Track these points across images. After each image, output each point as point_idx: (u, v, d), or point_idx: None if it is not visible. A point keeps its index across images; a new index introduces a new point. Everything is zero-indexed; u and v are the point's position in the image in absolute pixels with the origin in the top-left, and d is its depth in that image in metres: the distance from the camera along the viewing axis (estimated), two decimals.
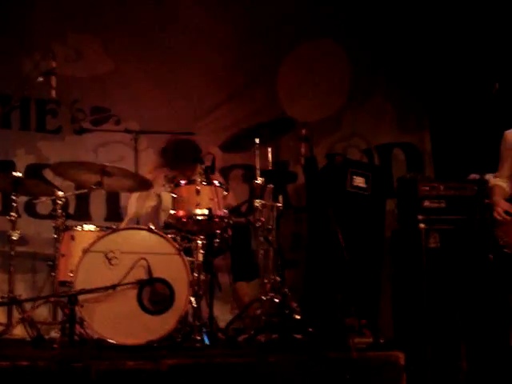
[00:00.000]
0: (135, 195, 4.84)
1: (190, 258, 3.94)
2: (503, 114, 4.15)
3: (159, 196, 4.80)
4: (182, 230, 4.04)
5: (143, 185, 4.35)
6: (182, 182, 4.08)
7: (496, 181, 4.09)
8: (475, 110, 4.21)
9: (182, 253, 3.79)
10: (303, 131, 4.27)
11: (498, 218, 3.94)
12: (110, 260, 3.69)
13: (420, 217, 4.53)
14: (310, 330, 3.96)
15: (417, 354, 4.23)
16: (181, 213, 3.95)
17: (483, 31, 5.52)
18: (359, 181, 5.11)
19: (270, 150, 4.45)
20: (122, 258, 3.69)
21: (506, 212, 3.96)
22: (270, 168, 4.45)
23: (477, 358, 4.15)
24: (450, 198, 4.58)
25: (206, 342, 3.72)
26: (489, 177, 4.08)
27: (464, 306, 4.24)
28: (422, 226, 4.50)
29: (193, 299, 3.82)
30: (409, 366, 3.47)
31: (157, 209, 4.91)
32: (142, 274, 3.68)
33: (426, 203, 4.58)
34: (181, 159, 4.82)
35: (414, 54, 6.00)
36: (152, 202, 4.86)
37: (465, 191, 4.57)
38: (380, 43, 6.02)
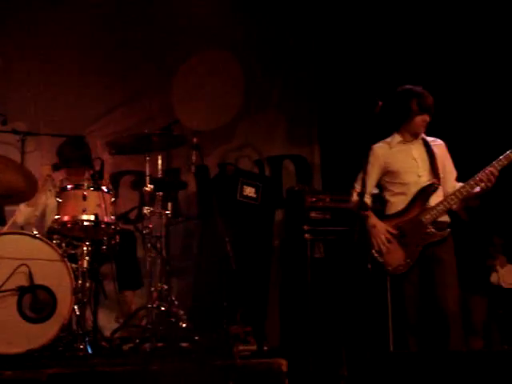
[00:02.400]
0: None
1: (75, 265, 3.86)
2: (385, 130, 4.36)
3: (45, 204, 4.69)
4: (67, 236, 3.95)
5: (30, 182, 3.95)
6: (69, 186, 3.99)
7: (364, 198, 4.01)
8: (361, 126, 4.38)
9: (65, 259, 3.71)
10: (194, 139, 4.29)
11: (379, 241, 3.98)
12: None
13: (306, 227, 4.67)
14: (197, 338, 3.98)
15: (300, 361, 4.34)
16: (66, 218, 3.87)
17: (371, 51, 5.78)
18: (249, 190, 5.19)
19: (161, 157, 4.45)
20: (1, 263, 3.57)
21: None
22: (160, 175, 4.45)
23: (357, 364, 4.29)
24: (334, 209, 4.75)
25: (89, 350, 3.65)
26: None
27: (345, 313, 4.39)
28: (307, 236, 4.64)
29: (76, 307, 3.75)
30: (292, 373, 3.54)
31: (43, 215, 4.77)
32: (22, 281, 3.57)
33: (313, 214, 4.72)
34: (74, 157, 4.68)
35: (307, 69, 6.19)
36: (37, 211, 4.71)
37: (349, 203, 4.74)
38: (274, 57, 6.17)
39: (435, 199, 4.04)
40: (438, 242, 3.99)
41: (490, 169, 3.90)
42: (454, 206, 4.04)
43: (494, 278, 6.03)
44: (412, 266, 3.99)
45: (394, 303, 4.59)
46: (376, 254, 4.01)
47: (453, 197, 3.99)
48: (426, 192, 4.04)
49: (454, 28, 5.50)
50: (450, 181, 4.12)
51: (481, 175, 3.92)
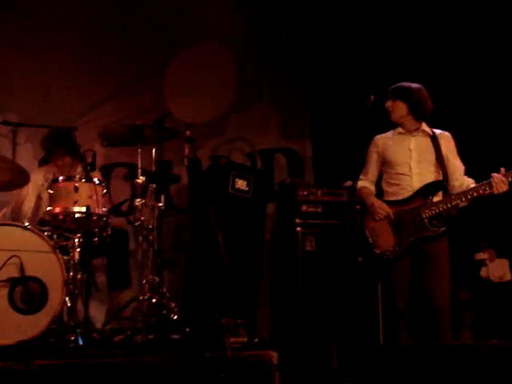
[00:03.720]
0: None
1: (66, 257, 3.86)
2: (378, 124, 4.37)
3: (39, 196, 4.69)
4: (58, 228, 3.95)
5: (20, 175, 4.01)
6: (60, 178, 3.98)
7: (362, 183, 4.23)
8: (353, 120, 4.39)
9: (56, 251, 3.71)
10: (187, 132, 4.29)
11: (379, 217, 4.06)
12: None
13: (297, 220, 4.68)
14: (188, 330, 3.99)
15: (291, 353, 4.36)
16: (57, 209, 3.86)
17: (364, 46, 5.79)
18: (241, 183, 5.19)
19: (154, 149, 4.45)
20: None
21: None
22: (153, 167, 4.45)
23: (347, 356, 4.31)
24: (326, 203, 4.75)
25: (80, 342, 3.65)
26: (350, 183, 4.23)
27: (336, 306, 4.41)
28: (298, 229, 4.65)
29: (67, 299, 3.75)
30: (282, 365, 3.56)
31: (37, 207, 4.77)
32: (14, 272, 3.57)
33: (304, 207, 4.73)
34: (56, 149, 4.69)
35: (299, 63, 6.20)
36: (30, 203, 4.71)
37: (340, 197, 4.76)
38: (267, 50, 6.17)
39: (439, 195, 4.03)
40: (432, 239, 3.98)
41: (503, 178, 3.84)
42: (462, 204, 3.99)
43: (483, 272, 6.09)
44: (402, 257, 4.01)
45: (384, 296, 4.61)
46: (368, 234, 4.04)
47: (462, 197, 3.95)
48: (432, 188, 4.03)
49: (450, 23, 5.48)
50: (455, 175, 4.08)
51: (494, 182, 3.85)
